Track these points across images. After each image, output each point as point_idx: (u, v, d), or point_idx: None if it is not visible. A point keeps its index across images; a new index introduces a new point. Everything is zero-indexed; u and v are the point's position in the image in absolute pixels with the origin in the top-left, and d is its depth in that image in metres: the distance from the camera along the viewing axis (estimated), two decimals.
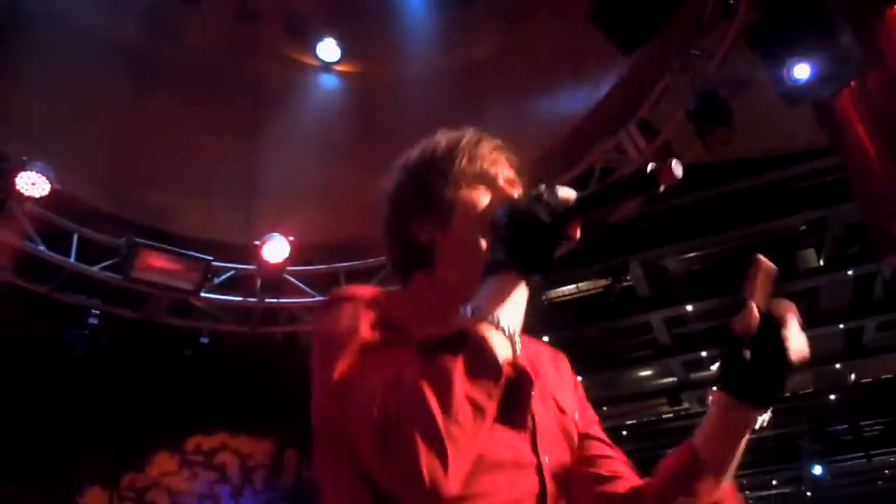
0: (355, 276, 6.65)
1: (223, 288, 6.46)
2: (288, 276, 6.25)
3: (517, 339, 1.00)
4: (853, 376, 13.41)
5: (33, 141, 5.45)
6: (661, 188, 1.03)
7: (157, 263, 5.72)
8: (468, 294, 1.02)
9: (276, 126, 5.91)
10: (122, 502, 6.67)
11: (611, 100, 5.53)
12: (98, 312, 6.03)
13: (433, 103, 5.92)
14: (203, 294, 6.22)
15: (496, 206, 1.16)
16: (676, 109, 5.09)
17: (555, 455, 1.19)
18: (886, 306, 10.34)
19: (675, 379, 13.27)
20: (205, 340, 6.38)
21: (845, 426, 15.22)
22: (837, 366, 12.50)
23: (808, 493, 20.14)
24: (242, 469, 7.29)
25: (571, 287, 11.76)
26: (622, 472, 1.36)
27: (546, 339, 7.40)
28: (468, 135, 1.33)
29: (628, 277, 10.17)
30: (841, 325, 11.04)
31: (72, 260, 5.87)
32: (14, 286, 5.73)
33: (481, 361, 0.93)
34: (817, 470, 15.85)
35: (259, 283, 6.39)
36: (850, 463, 16.22)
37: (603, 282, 10.62)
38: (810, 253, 10.12)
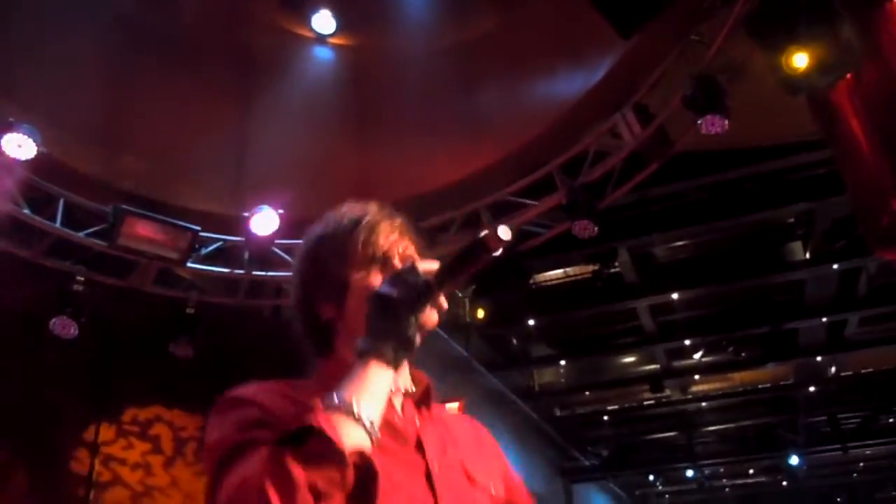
0: None
1: (210, 259, 6.42)
2: (276, 250, 6.21)
3: (375, 426, 1.05)
4: (833, 369, 13.55)
5: (21, 104, 5.37)
6: (494, 253, 1.09)
7: (143, 232, 5.67)
8: None
9: (268, 98, 5.86)
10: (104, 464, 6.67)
11: (607, 83, 5.51)
12: (82, 279, 5.99)
13: (427, 81, 5.89)
14: (190, 264, 6.18)
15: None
16: (673, 94, 5.07)
17: None
18: (870, 301, 10.43)
19: (658, 366, 13.35)
20: (191, 311, 6.35)
21: (823, 418, 15.39)
22: (819, 358, 12.62)
23: (784, 483, 20.41)
24: None
25: (559, 272, 11.78)
26: None
27: (532, 322, 7.46)
28: (369, 214, 1.34)
29: (616, 264, 10.19)
30: (824, 319, 11.14)
31: (57, 225, 5.81)
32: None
33: (325, 451, 0.97)
34: (794, 460, 16.04)
35: (247, 255, 6.36)
36: (827, 454, 16.42)
37: (590, 267, 10.63)
38: (797, 246, 10.17)
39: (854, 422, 15.75)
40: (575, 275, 11.52)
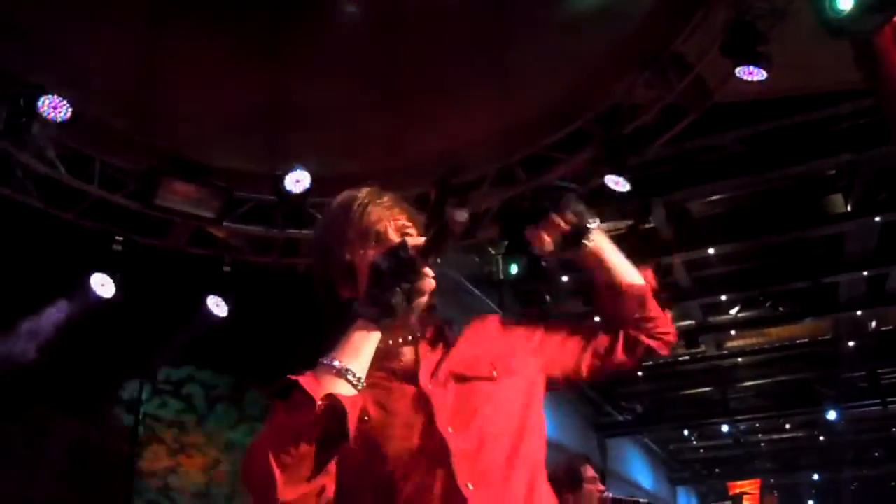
0: None
1: (245, 218, 6.47)
2: (310, 209, 6.23)
3: (358, 375, 1.23)
4: (874, 323, 13.34)
5: (55, 65, 5.40)
6: (456, 234, 1.26)
7: (179, 191, 5.71)
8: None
9: (300, 54, 5.80)
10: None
11: (642, 32, 5.37)
12: (120, 240, 6.08)
13: (461, 35, 5.79)
14: (225, 224, 6.23)
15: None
16: (711, 43, 4.93)
17: (458, 423, 1.40)
18: None
19: (692, 322, 13.26)
20: (226, 270, 6.43)
21: (862, 373, 15.21)
22: (859, 313, 12.43)
23: (821, 438, 20.29)
24: None
25: None
26: (584, 329, 1.71)
27: (565, 279, 7.38)
28: (359, 196, 1.52)
29: (650, 219, 10.08)
30: (865, 272, 10.93)
31: (94, 186, 5.88)
32: (39, 211, 5.76)
33: (301, 400, 1.16)
34: (831, 415, 15.92)
35: (281, 214, 6.39)
36: (865, 409, 16.26)
37: (625, 223, 10.53)
38: (838, 198, 9.94)
39: (893, 377, 15.54)
40: (608, 231, 11.41)
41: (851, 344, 13.61)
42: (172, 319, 6.82)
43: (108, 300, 5.99)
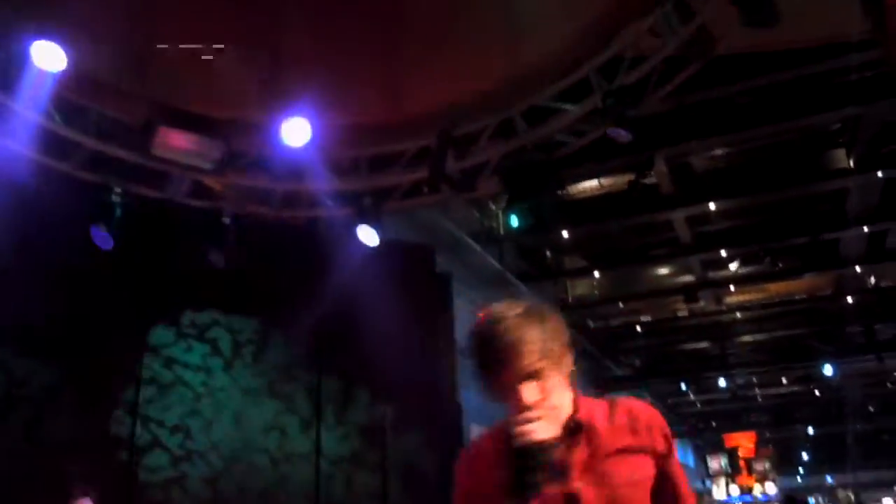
0: (378, 162, 6.59)
1: (243, 170, 6.42)
2: (309, 160, 6.18)
3: None
4: (873, 279, 13.37)
5: (48, 14, 5.30)
6: None
7: (176, 142, 5.66)
8: None
9: (296, 2, 5.71)
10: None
11: None
12: (119, 191, 6.04)
13: None
14: (223, 175, 6.19)
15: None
16: None
17: None
18: None
19: (693, 277, 13.29)
20: (226, 221, 6.41)
21: (860, 328, 15.30)
22: (858, 269, 12.45)
23: (817, 393, 20.50)
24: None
25: (593, 183, 11.64)
26: None
27: (566, 234, 7.37)
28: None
29: (652, 174, 10.01)
30: (865, 228, 10.92)
31: (92, 138, 5.83)
32: (37, 163, 5.72)
33: None
34: (828, 370, 16.05)
35: (280, 165, 6.34)
36: (861, 364, 16.40)
37: (626, 177, 10.47)
38: (840, 153, 9.88)
39: (891, 332, 15.64)
40: (610, 185, 11.38)
41: (850, 300, 13.65)
42: (183, 266, 6.84)
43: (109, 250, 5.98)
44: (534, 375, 1.56)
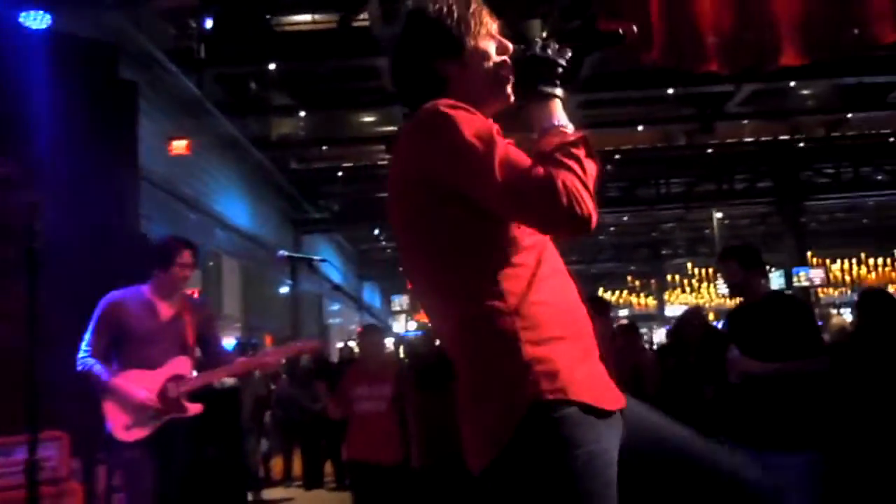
0: None
1: None
2: None
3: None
4: None
5: None
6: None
7: None
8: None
9: None
10: None
11: None
12: None
13: None
14: None
15: (504, 52, 1.59)
16: None
17: None
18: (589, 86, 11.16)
19: (396, 127, 13.61)
20: None
21: None
22: None
23: None
24: None
25: (307, 17, 11.17)
26: None
27: (273, 67, 6.98)
28: None
29: (365, 15, 9.83)
30: None
31: None
32: None
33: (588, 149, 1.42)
34: None
35: None
36: None
37: (338, 16, 10.18)
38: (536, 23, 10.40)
39: None
40: (322, 21, 11.01)
41: None
42: None
43: None
44: None
